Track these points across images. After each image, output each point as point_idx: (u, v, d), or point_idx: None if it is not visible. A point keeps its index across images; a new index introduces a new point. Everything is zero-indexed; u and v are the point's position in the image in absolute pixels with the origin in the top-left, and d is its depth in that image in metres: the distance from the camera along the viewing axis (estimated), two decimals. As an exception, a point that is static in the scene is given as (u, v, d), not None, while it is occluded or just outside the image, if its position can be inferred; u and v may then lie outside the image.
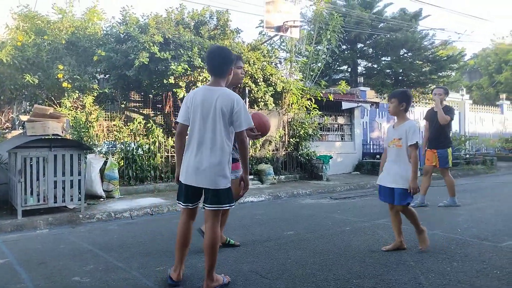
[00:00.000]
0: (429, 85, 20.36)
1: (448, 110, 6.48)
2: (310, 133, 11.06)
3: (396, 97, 4.02)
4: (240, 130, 2.99)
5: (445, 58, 19.63)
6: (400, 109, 4.00)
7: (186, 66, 8.41)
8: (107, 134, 8.91)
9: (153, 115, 10.46)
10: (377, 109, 14.04)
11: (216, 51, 3.17)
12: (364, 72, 21.23)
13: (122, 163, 8.37)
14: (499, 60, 26.73)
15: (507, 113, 19.01)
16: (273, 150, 10.76)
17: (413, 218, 4.00)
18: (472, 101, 19.16)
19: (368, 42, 20.21)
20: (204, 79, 8.86)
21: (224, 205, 3.00)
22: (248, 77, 9.82)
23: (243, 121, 2.97)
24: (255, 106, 10.51)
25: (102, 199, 7.26)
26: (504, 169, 13.65)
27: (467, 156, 14.40)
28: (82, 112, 8.35)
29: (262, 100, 10.21)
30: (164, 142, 9.02)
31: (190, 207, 3.10)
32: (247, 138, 3.21)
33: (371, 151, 13.42)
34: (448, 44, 21.34)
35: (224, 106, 2.96)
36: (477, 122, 17.19)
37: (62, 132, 6.54)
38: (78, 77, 8.28)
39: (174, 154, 9.22)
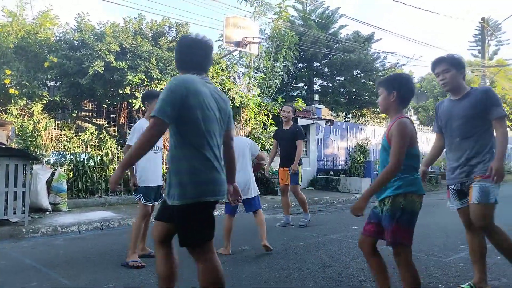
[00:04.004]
0: (380, 105, 21.27)
1: (298, 130, 6.50)
2: (266, 148, 11.17)
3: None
4: None
5: (395, 80, 20.63)
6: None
7: (143, 76, 8.28)
8: (56, 144, 8.53)
9: (106, 125, 10.15)
10: (331, 127, 14.44)
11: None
12: (319, 90, 21.86)
13: (72, 175, 8.03)
14: (443, 84, 28.48)
15: (450, 134, 20.20)
16: (229, 164, 10.74)
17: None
18: (419, 122, 20.19)
19: (323, 61, 20.87)
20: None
21: None
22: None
23: None
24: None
25: (48, 212, 6.90)
26: (447, 187, 14.41)
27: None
28: (30, 120, 7.96)
29: (220, 114, 10.20)
30: (118, 153, 8.76)
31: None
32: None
33: (325, 167, 13.74)
34: (398, 67, 22.47)
35: None
36: (424, 142, 18.12)
37: (7, 140, 6.18)
38: (26, 83, 7.91)
39: (127, 166, 8.97)
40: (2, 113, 7.87)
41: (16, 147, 6.93)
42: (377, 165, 14.06)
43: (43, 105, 8.35)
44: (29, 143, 7.57)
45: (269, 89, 12.50)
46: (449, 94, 3.38)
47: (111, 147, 8.64)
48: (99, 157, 8.47)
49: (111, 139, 8.95)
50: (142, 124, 4.34)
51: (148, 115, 4.44)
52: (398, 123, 2.53)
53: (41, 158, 7.53)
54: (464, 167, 3.19)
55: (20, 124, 7.69)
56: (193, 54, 2.41)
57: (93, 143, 8.75)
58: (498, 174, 2.96)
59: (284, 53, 12.29)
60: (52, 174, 7.29)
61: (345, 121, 15.36)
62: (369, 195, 2.50)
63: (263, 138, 11.18)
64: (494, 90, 3.26)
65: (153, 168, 4.33)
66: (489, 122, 3.13)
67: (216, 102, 2.35)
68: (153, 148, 4.24)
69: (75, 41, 8.80)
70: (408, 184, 2.54)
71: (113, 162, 8.65)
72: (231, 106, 9.03)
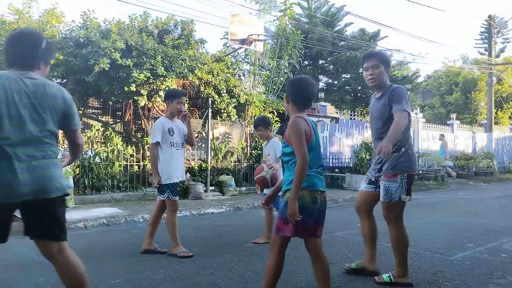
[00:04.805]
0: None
1: None
2: (271, 145, 11.16)
3: (261, 125, 5.08)
4: None
5: (401, 78, 20.55)
6: (267, 133, 5.12)
7: (149, 74, 8.30)
8: (62, 141, 8.57)
9: (112, 122, 10.20)
10: (337, 124, 14.41)
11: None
12: (324, 87, 21.79)
13: (78, 171, 8.08)
14: (450, 82, 28.27)
15: (457, 132, 20.06)
16: (235, 162, 10.77)
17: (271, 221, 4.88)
18: (425, 120, 20.08)
19: (329, 59, 20.80)
20: (167, 88, 8.75)
21: None
22: (212, 88, 9.81)
23: None
24: (218, 117, 10.50)
25: (54, 209, 6.94)
26: (453, 185, 14.35)
27: (420, 172, 15.03)
28: (36, 117, 8.01)
29: (225, 111, 10.22)
30: (123, 150, 8.79)
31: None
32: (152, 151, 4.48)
33: (330, 164, 13.72)
34: (404, 65, 22.37)
35: None
36: (430, 139, 18.01)
37: (14, 137, 6.22)
38: (33, 80, 7.94)
39: (133, 163, 9.02)
40: (9, 110, 7.93)
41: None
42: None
43: (49, 102, 8.40)
44: (35, 140, 7.62)
45: (274, 87, 12.49)
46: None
47: (116, 144, 8.68)
48: (105, 154, 8.51)
49: (117, 136, 8.98)
50: (162, 121, 4.40)
51: (169, 114, 4.50)
52: (290, 123, 2.71)
53: (48, 155, 7.57)
54: (377, 165, 3.43)
55: (27, 121, 7.75)
56: (14, 48, 2.30)
57: (99, 140, 8.80)
58: (383, 152, 3.03)
59: (290, 51, 12.28)
60: (59, 171, 7.34)
61: (351, 118, 15.32)
62: (294, 197, 2.54)
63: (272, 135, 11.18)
64: (401, 89, 3.33)
65: (176, 164, 4.38)
66: None
67: (31, 98, 2.20)
68: (174, 145, 4.38)
69: (81, 38, 8.84)
70: None
71: (119, 159, 8.69)
72: (236, 104, 9.01)
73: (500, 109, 27.26)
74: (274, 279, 2.69)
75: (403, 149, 3.25)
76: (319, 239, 2.76)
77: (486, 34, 23.53)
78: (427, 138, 17.94)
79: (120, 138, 9.02)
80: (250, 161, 11.09)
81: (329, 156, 14.03)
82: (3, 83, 2.16)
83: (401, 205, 3.32)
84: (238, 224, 6.53)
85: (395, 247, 3.35)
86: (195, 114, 10.25)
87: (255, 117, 5.82)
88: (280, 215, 2.67)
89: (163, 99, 5.50)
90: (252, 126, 11.11)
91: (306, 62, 20.85)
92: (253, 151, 11.07)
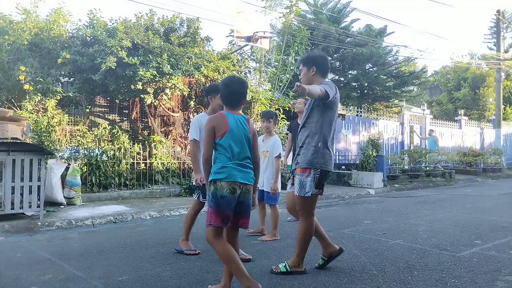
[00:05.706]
0: (393, 99, 21.03)
1: None
2: (277, 142, 11.14)
3: (273, 118, 5.24)
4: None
5: (408, 74, 20.37)
6: (273, 128, 5.31)
7: (155, 72, 8.32)
8: (70, 139, 8.64)
9: (119, 120, 10.25)
10: (343, 121, 14.36)
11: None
12: (331, 84, 21.63)
13: (85, 169, 8.13)
14: (457, 78, 28.02)
15: (465, 128, 19.90)
16: (241, 159, 10.76)
17: (275, 218, 5.06)
18: (433, 116, 19.93)
19: (335, 55, 20.69)
20: (173, 86, 8.77)
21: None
22: (217, 85, 9.81)
23: None
24: (224, 114, 10.49)
25: (62, 206, 7.01)
26: (461, 182, 14.25)
27: (427, 168, 14.93)
28: (44, 115, 8.08)
29: (231, 108, 10.21)
30: (130, 148, 8.84)
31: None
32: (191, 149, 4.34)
33: (337, 161, 13.68)
34: (411, 60, 22.16)
35: None
36: (437, 136, 17.88)
37: (22, 135, 6.29)
38: (40, 79, 8.02)
39: (140, 161, 9.05)
40: (17, 109, 8.00)
41: (31, 142, 7.04)
42: (389, 160, 13.97)
43: (57, 101, 8.46)
44: (43, 138, 7.68)
45: (280, 84, 12.46)
46: None
47: (123, 142, 8.72)
48: (112, 152, 8.55)
49: (124, 134, 9.02)
50: (200, 118, 4.32)
51: (211, 109, 4.38)
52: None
53: (56, 153, 7.64)
54: (296, 156, 3.59)
55: (35, 119, 7.81)
56: None
57: (106, 138, 8.84)
58: (297, 85, 3.07)
59: (296, 47, 12.24)
60: (66, 169, 7.40)
61: (357, 115, 15.25)
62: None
63: (274, 132, 11.16)
64: (330, 82, 3.54)
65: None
66: (321, 114, 3.45)
67: None
68: None
69: (87, 37, 8.88)
70: (216, 172, 2.87)
71: (126, 156, 8.74)
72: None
73: (508, 104, 27.00)
74: (236, 264, 2.90)
75: (320, 143, 3.43)
76: (237, 232, 3.06)
77: (495, 29, 23.26)
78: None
79: (127, 136, 9.06)
80: (257, 159, 11.07)
81: (335, 153, 13.95)
82: None
83: (313, 200, 3.52)
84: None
85: (300, 238, 3.54)
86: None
87: (263, 111, 5.77)
88: (209, 207, 2.89)
89: (204, 94, 5.31)
90: (260, 120, 11.10)
91: (312, 59, 20.74)
92: (259, 149, 11.04)
